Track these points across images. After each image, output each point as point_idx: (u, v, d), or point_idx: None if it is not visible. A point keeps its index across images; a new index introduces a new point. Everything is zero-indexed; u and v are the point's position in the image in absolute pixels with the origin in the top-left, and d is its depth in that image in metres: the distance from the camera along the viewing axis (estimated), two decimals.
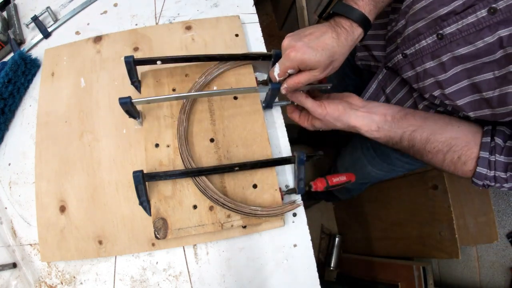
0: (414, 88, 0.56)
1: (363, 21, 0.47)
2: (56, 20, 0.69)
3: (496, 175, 0.45)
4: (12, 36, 0.67)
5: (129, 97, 0.46)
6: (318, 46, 0.44)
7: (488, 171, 0.45)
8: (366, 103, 0.54)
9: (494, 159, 0.45)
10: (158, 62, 0.52)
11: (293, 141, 0.59)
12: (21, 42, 0.69)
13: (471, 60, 0.43)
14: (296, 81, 0.47)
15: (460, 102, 0.47)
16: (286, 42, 0.46)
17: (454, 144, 0.47)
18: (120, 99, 0.46)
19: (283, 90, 0.49)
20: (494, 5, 0.38)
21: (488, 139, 0.46)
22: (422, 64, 0.50)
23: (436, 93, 0.50)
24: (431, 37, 0.47)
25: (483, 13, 0.39)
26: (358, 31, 0.47)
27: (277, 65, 0.48)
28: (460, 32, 0.43)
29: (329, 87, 0.56)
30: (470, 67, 0.44)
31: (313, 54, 0.44)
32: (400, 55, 0.54)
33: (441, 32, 0.45)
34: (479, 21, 0.40)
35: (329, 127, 0.54)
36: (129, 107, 0.47)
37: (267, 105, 0.58)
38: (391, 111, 0.52)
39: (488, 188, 0.47)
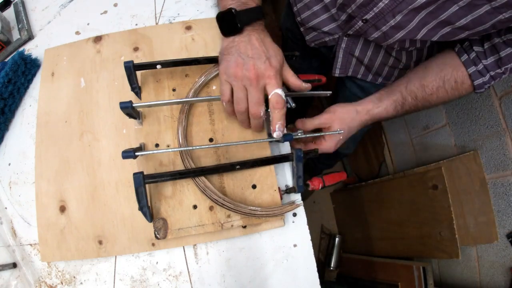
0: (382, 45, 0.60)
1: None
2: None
3: (492, 74, 0.51)
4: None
5: (130, 101, 0.46)
6: None
7: (483, 78, 0.51)
8: (349, 104, 0.59)
9: (482, 66, 0.51)
10: (158, 67, 0.52)
11: None
12: (30, 38, 0.68)
13: (430, 4, 0.46)
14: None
15: (434, 39, 0.51)
16: None
17: (444, 74, 0.53)
18: (121, 103, 0.45)
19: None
20: None
21: (465, 56, 0.52)
22: (386, 23, 0.53)
23: (408, 43, 0.56)
24: None
25: None
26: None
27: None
28: None
29: (328, 94, 0.58)
30: (433, 9, 0.47)
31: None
32: (360, 21, 0.56)
33: None
34: None
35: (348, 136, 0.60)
36: (130, 110, 0.47)
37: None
38: (375, 91, 0.59)
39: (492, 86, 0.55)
